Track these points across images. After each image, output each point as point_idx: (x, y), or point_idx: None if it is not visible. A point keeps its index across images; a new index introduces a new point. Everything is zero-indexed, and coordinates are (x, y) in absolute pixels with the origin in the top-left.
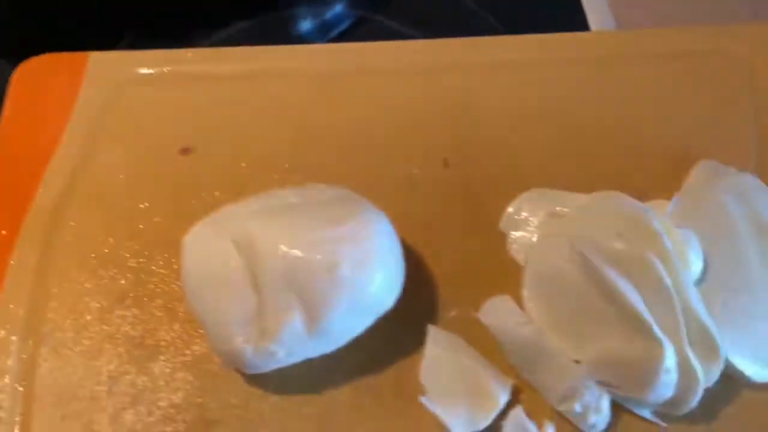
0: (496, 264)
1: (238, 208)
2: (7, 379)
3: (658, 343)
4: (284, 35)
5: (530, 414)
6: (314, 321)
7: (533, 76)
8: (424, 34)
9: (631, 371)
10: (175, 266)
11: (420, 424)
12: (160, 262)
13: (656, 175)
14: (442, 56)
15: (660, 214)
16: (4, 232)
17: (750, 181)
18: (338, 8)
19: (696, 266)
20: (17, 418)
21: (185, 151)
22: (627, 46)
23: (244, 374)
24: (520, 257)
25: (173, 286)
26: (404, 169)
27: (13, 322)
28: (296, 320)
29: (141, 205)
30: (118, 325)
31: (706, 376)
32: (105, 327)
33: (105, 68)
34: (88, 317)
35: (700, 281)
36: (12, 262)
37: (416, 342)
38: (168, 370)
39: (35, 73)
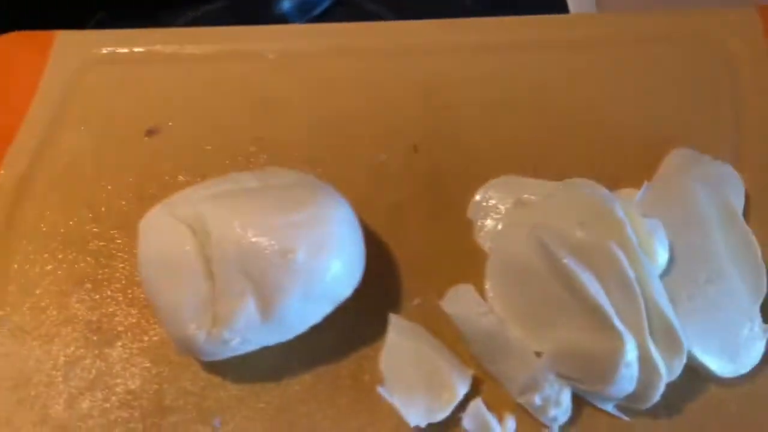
0: (463, 252)
1: (196, 191)
2: None
3: (618, 336)
4: (265, 14)
5: (491, 406)
6: (268, 308)
7: (508, 60)
8: (404, 16)
9: (592, 364)
10: (135, 250)
11: (379, 413)
12: (121, 246)
13: (630, 163)
14: (417, 38)
15: (626, 203)
16: None
17: (723, 169)
18: None
19: (661, 257)
20: None
21: (151, 132)
22: (605, 28)
23: (202, 361)
24: (486, 245)
25: (133, 270)
26: (373, 153)
27: None
28: (250, 307)
29: (104, 188)
30: (76, 309)
31: (668, 371)
32: (63, 311)
33: (71, 47)
34: (47, 301)
35: (666, 272)
36: None
37: (378, 330)
38: (125, 356)
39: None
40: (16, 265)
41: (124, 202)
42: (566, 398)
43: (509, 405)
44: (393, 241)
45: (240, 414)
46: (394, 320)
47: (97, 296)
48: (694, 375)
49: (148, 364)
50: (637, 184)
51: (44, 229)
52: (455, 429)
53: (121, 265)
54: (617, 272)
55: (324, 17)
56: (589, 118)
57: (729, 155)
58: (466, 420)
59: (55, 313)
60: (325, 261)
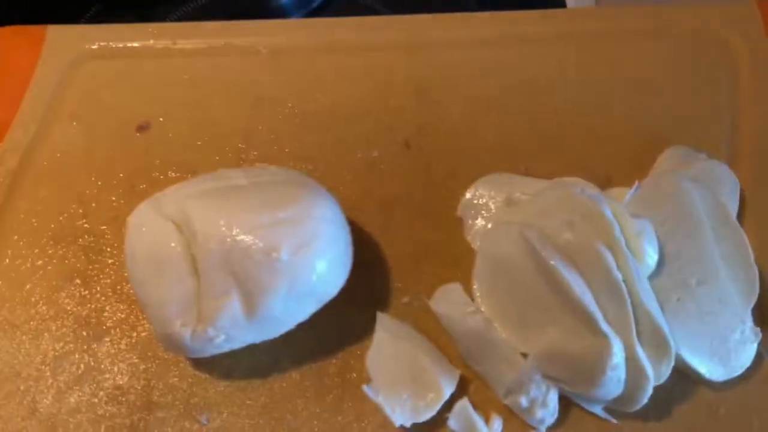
0: (454, 250)
1: (183, 188)
2: None
3: (605, 338)
4: (263, 7)
5: (478, 406)
6: (252, 307)
7: (503, 55)
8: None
9: (578, 366)
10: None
11: (365, 411)
12: (111, 242)
13: (625, 160)
14: (410, 33)
15: (615, 203)
16: None
17: (719, 168)
18: None
19: (651, 258)
20: None
21: (142, 128)
22: (603, 22)
23: (190, 358)
24: (476, 244)
25: (122, 266)
26: (364, 150)
27: None
28: (234, 305)
29: (94, 183)
30: (66, 304)
31: (656, 374)
32: (52, 306)
33: (63, 42)
34: (37, 296)
35: (656, 274)
36: None
37: (366, 328)
38: (114, 351)
39: None
40: (7, 260)
41: (114, 198)
42: (553, 400)
43: (497, 406)
44: (383, 239)
45: (227, 410)
46: (382, 318)
47: (87, 292)
48: (684, 378)
49: (136, 360)
50: (630, 183)
51: (35, 224)
52: (441, 429)
53: (111, 261)
54: (604, 273)
55: (321, 11)
56: (582, 115)
57: (725, 154)
58: (452, 420)
59: (44, 308)
60: (310, 260)
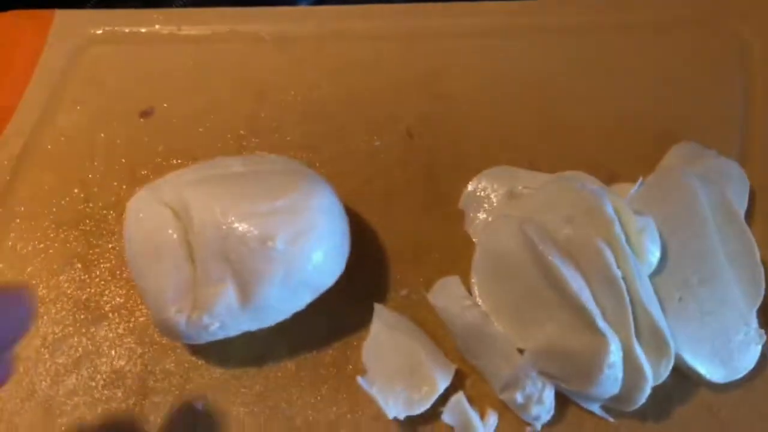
0: (454, 243)
1: (182, 175)
2: None
3: (602, 336)
4: None
5: (474, 401)
6: (247, 295)
7: (510, 46)
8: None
9: (574, 364)
10: None
11: (359, 402)
12: (112, 227)
13: (632, 156)
14: (417, 22)
15: (617, 199)
16: None
17: (728, 166)
18: None
19: (652, 256)
20: None
21: (145, 113)
22: (613, 14)
23: (186, 344)
24: (477, 237)
25: (123, 251)
26: (367, 139)
27: None
28: (229, 293)
29: (97, 168)
30: (66, 288)
31: (655, 374)
32: (52, 289)
33: (70, 26)
34: (37, 279)
35: (657, 272)
36: None
37: (364, 320)
38: (112, 336)
39: None
40: (9, 243)
41: (116, 183)
42: (549, 397)
43: (493, 401)
44: (384, 230)
45: (222, 397)
46: (379, 310)
47: (87, 276)
48: (685, 378)
49: (133, 345)
50: (636, 179)
51: (37, 208)
52: (436, 423)
53: (111, 246)
54: (603, 270)
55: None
56: (590, 109)
57: (736, 151)
58: (447, 414)
59: (45, 291)
60: (306, 249)
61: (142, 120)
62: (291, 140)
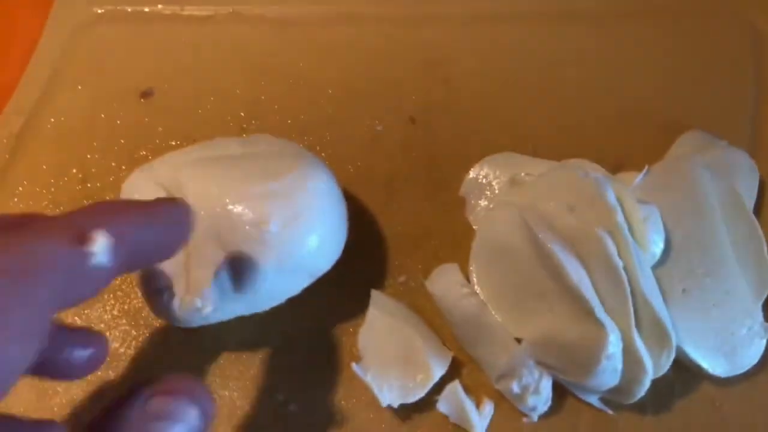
0: (455, 230)
1: (178, 155)
2: None
3: (601, 326)
4: None
5: (470, 390)
6: (241, 279)
7: (518, 32)
8: None
9: (572, 354)
10: None
11: (354, 388)
12: None
13: (640, 145)
14: (423, 6)
15: (621, 187)
16: None
17: (738, 156)
18: None
19: (656, 246)
20: None
21: (146, 94)
22: (623, 1)
23: (181, 328)
24: (478, 225)
25: None
26: (369, 124)
27: None
28: (222, 277)
29: (96, 149)
30: None
31: (655, 366)
32: None
33: (72, 5)
34: None
35: (661, 263)
36: None
37: (361, 306)
38: (107, 318)
39: None
40: None
41: (114, 164)
42: (546, 387)
43: (489, 391)
44: (383, 216)
45: (215, 381)
46: (376, 296)
47: None
48: (687, 371)
49: (128, 327)
50: (643, 169)
51: (35, 187)
52: (431, 411)
53: None
54: (604, 260)
55: None
56: (596, 96)
57: (746, 141)
58: (442, 403)
59: None
60: (302, 234)
61: (142, 101)
62: (292, 123)
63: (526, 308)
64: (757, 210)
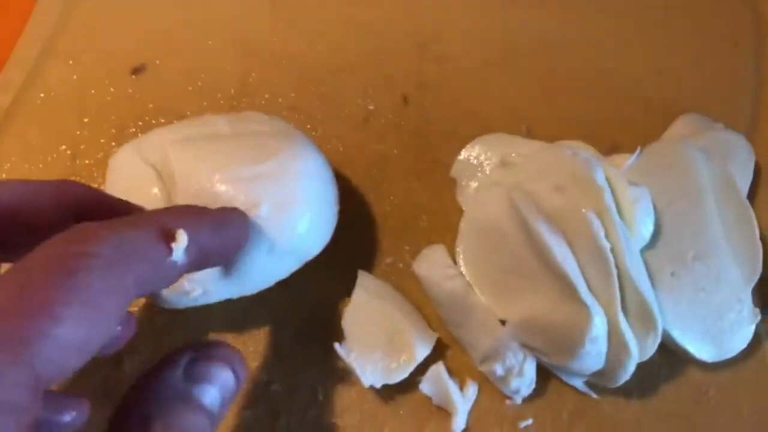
0: (444, 212)
1: (166, 132)
2: None
3: (586, 309)
4: None
5: (455, 372)
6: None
7: (511, 11)
8: None
9: (556, 337)
10: None
11: (337, 369)
12: (100, 184)
13: (636, 127)
14: None
15: (611, 169)
16: None
17: (735, 139)
18: None
19: (646, 228)
20: None
21: (137, 70)
22: None
23: (167, 308)
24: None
25: None
26: (361, 103)
27: None
28: None
29: (86, 125)
30: None
31: (641, 350)
32: None
33: None
34: None
35: (651, 245)
36: None
37: (348, 287)
38: None
39: None
40: None
41: (103, 140)
42: (530, 370)
43: (473, 373)
44: (373, 196)
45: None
46: (363, 277)
47: None
48: (673, 356)
49: None
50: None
51: (24, 164)
52: (414, 393)
53: None
54: (591, 242)
55: None
56: (593, 77)
57: (745, 125)
58: (425, 384)
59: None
60: (292, 217)
61: (133, 77)
62: (282, 102)
63: (511, 289)
64: (753, 194)
